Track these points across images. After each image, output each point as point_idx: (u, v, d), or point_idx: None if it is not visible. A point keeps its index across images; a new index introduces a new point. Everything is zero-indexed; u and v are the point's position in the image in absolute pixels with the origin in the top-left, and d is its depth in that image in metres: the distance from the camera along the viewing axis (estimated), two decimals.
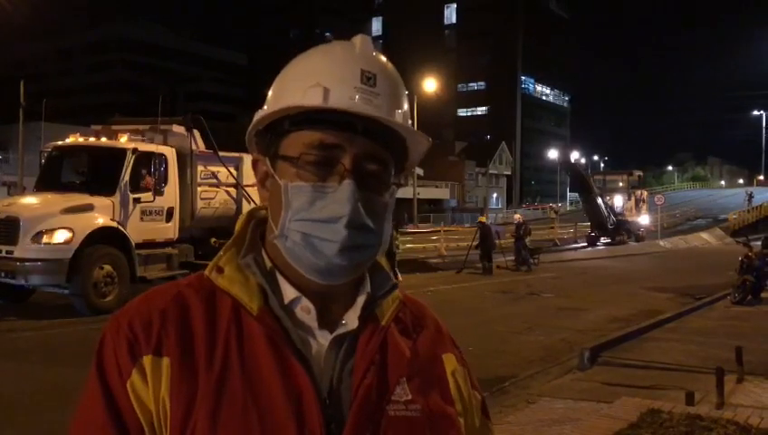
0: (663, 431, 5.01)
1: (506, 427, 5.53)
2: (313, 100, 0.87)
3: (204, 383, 0.86)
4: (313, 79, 0.89)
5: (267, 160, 0.94)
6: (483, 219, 21.18)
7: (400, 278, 18.17)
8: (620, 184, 40.79)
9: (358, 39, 0.93)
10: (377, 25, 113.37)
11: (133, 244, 11.36)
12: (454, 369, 1.00)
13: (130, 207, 11.48)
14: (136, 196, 11.54)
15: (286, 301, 0.92)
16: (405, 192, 51.45)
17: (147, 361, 0.87)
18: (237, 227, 1.00)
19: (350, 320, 0.93)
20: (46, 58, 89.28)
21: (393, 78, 0.93)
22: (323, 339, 0.91)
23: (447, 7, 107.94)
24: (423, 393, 0.93)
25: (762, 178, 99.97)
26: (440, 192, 64.57)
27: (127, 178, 11.45)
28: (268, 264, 0.95)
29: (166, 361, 0.87)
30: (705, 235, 39.60)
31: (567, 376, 7.65)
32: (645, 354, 8.55)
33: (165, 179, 11.96)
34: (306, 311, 0.92)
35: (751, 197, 52.80)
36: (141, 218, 11.65)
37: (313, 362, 0.89)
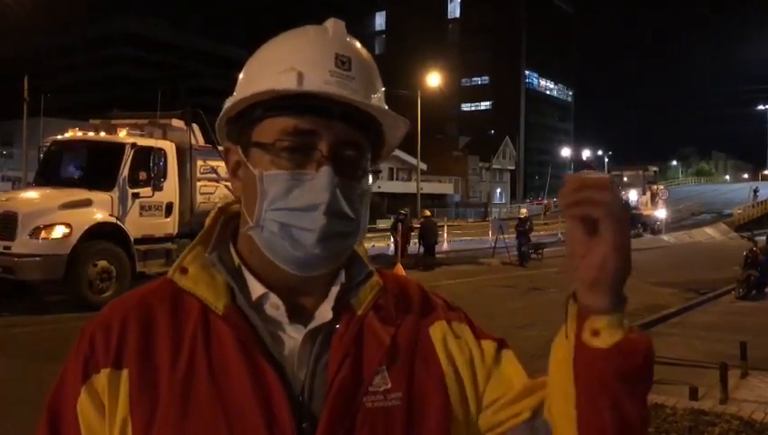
0: (667, 426, 4.98)
1: None
2: (287, 84, 0.84)
3: (166, 391, 0.82)
4: (286, 63, 0.86)
5: (239, 149, 0.90)
6: (427, 213, 21.11)
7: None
8: (625, 179, 41.27)
9: (330, 23, 0.90)
10: (380, 20, 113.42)
11: (132, 239, 11.27)
12: (444, 339, 0.95)
13: (129, 202, 11.39)
14: (135, 191, 11.47)
15: (254, 298, 0.89)
16: (408, 187, 51.64)
17: (103, 377, 0.84)
18: (206, 223, 0.96)
19: (324, 312, 0.89)
20: (48, 54, 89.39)
21: (367, 62, 0.91)
22: (297, 334, 0.88)
23: (451, 2, 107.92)
24: (405, 379, 0.89)
25: (767, 172, 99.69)
26: (444, 187, 64.61)
27: (125, 173, 11.37)
28: (236, 260, 0.92)
29: (125, 373, 0.84)
30: (709, 230, 39.58)
31: None
32: None
33: (164, 174, 11.89)
34: (275, 307, 0.89)
35: (756, 192, 52.68)
36: (140, 214, 11.57)
37: (286, 359, 0.86)
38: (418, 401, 0.89)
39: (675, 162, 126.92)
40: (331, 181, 0.84)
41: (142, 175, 11.56)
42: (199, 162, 12.59)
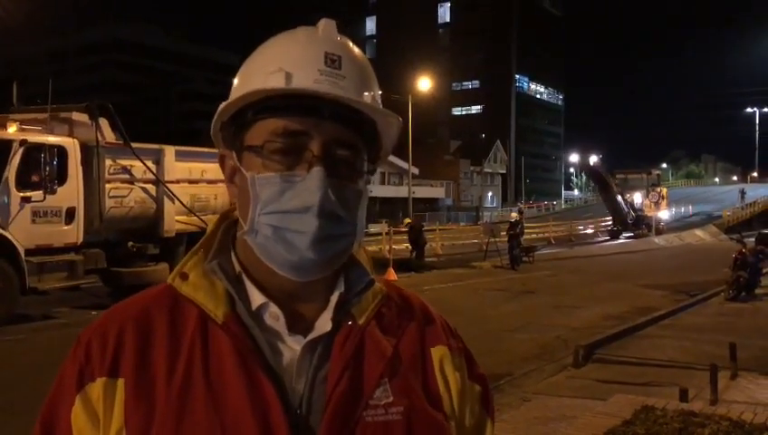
0: (657, 428, 5.01)
1: (501, 425, 5.53)
2: (275, 84, 0.83)
3: (162, 402, 0.81)
4: (275, 64, 0.85)
5: (234, 154, 0.89)
6: (408, 220, 21.94)
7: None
8: (620, 181, 42.11)
9: (321, 23, 0.89)
10: (370, 25, 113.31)
11: (21, 250, 9.85)
12: (442, 363, 0.93)
13: (16, 207, 9.96)
14: (24, 194, 10.07)
15: (254, 307, 0.87)
16: (400, 191, 51.63)
17: (98, 386, 0.83)
18: (208, 229, 0.95)
19: (324, 322, 0.87)
20: (39, 60, 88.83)
21: (359, 61, 0.89)
22: (296, 344, 0.86)
23: (441, 6, 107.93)
24: (406, 394, 0.87)
25: (755, 175, 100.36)
26: (435, 191, 64.56)
27: (11, 173, 9.94)
28: (237, 268, 0.91)
29: (120, 382, 0.82)
30: (699, 232, 39.78)
31: (562, 374, 7.66)
32: (639, 351, 8.56)
33: (60, 175, 10.46)
34: (275, 317, 0.86)
35: (743, 194, 53.05)
36: (33, 220, 10.18)
37: (284, 370, 0.84)
38: (419, 418, 0.87)
39: (665, 165, 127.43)
40: (322, 182, 0.82)
41: (35, 176, 10.20)
42: (108, 162, 11.17)
